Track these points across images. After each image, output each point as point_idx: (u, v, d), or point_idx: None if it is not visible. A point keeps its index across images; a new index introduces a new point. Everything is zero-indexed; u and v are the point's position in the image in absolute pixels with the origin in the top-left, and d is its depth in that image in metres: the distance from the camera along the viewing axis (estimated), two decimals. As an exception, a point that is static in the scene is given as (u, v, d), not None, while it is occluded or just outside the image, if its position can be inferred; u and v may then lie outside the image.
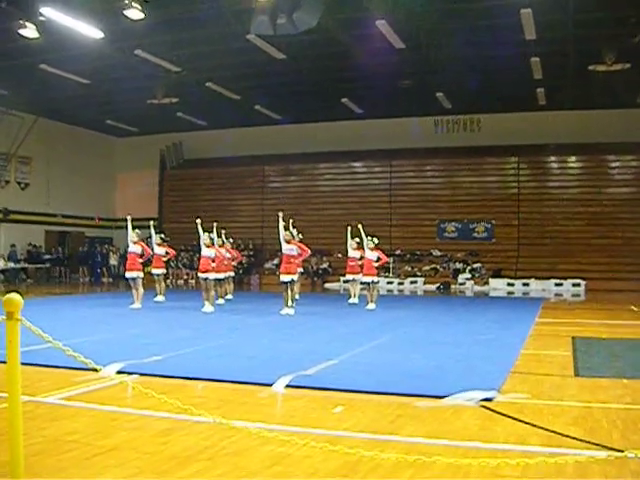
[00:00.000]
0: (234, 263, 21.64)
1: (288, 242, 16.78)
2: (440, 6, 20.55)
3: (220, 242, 19.70)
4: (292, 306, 16.64)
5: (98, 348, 9.53)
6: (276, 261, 31.49)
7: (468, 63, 25.09)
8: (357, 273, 19.69)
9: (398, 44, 22.40)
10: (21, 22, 19.78)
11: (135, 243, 18.42)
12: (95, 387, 7.39)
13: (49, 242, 35.62)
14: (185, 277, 33.47)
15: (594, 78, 25.33)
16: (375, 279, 18.99)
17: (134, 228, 18.63)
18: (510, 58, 23.89)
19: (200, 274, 18.07)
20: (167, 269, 23.48)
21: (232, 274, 21.15)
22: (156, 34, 22.22)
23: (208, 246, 18.09)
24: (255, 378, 7.83)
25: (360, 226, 19.50)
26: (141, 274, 18.24)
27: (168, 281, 29.91)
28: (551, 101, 29.90)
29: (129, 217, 19.06)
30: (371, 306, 18.32)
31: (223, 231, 20.64)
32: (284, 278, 16.68)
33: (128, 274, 18.35)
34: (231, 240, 22.12)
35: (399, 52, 23.28)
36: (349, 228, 20.16)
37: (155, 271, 20.27)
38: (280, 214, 17.14)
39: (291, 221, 19.46)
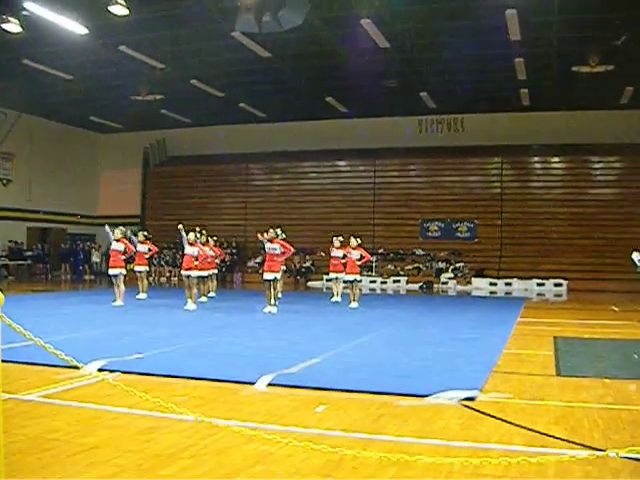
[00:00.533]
0: (217, 261, 21.62)
1: (271, 241, 16.79)
2: (425, 6, 20.58)
3: (204, 240, 19.66)
4: (275, 304, 16.63)
5: (79, 346, 9.49)
6: (259, 259, 31.46)
7: (452, 63, 25.14)
8: (340, 272, 19.75)
9: (383, 43, 22.40)
10: (4, 17, 19.64)
11: (118, 240, 18.34)
12: (76, 385, 7.36)
13: (31, 239, 35.39)
14: (168, 274, 33.38)
15: (578, 79, 25.47)
16: (358, 277, 19.08)
17: (116, 225, 18.58)
18: (494, 58, 24.00)
19: (183, 272, 18.02)
20: (150, 266, 23.42)
21: (215, 272, 21.13)
22: (141, 30, 22.14)
23: (191, 244, 18.04)
24: (237, 376, 7.82)
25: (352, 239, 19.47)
26: (124, 271, 18.16)
27: (150, 278, 29.81)
28: (535, 102, 30.03)
29: (107, 226, 19.25)
30: (354, 305, 18.36)
31: (204, 231, 20.53)
32: (267, 276, 16.66)
33: (111, 271, 18.26)
34: (215, 238, 22.07)
35: (384, 51, 23.30)
36: (335, 240, 20.05)
37: (138, 268, 20.22)
38: (259, 236, 17.26)
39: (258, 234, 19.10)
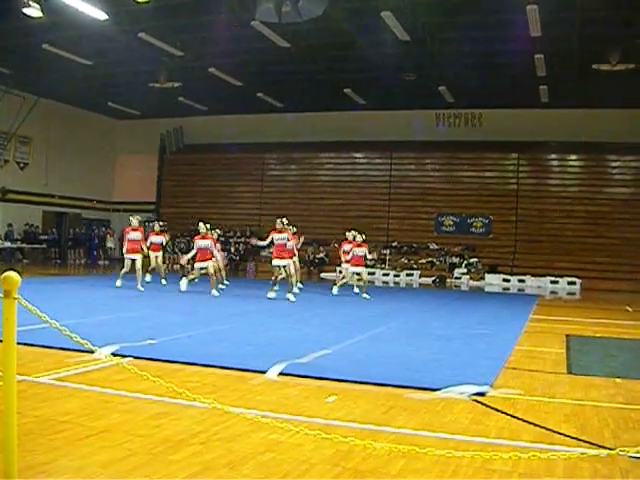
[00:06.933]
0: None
1: (281, 231, 17.58)
2: (446, 0, 20.51)
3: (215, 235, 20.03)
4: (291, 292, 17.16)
5: (93, 330, 9.51)
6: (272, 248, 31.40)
7: (472, 58, 25.08)
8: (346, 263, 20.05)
9: (403, 36, 22.34)
10: (25, 1, 19.70)
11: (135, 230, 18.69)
12: (89, 368, 7.41)
13: (46, 223, 35.56)
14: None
15: (598, 77, 25.29)
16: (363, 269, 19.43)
17: (132, 212, 18.78)
18: (514, 54, 23.85)
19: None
20: (164, 254, 23.58)
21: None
22: (160, 18, 22.15)
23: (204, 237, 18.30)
24: (249, 365, 7.85)
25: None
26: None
27: (165, 266, 30.02)
28: (554, 99, 29.84)
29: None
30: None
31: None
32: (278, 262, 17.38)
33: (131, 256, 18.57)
34: (218, 231, 21.84)
35: (403, 44, 23.22)
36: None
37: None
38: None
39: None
